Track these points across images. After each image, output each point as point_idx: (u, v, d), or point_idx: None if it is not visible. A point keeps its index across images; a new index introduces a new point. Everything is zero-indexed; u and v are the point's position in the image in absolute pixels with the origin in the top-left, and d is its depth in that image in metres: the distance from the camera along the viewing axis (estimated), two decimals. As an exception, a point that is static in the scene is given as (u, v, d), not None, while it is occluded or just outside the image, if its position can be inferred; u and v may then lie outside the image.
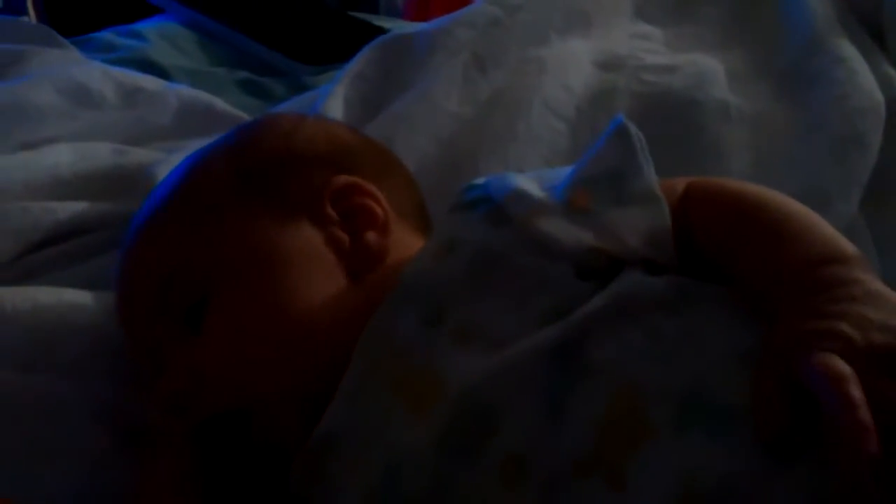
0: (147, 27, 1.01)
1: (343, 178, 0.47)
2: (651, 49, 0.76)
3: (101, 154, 0.66)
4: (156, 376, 0.44)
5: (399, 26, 1.08)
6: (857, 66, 0.67)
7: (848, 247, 0.39)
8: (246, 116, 0.78)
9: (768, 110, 0.67)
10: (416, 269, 0.42)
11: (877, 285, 0.36)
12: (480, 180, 0.46)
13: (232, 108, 0.79)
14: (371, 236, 0.46)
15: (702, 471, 0.35)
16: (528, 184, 0.44)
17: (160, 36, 0.99)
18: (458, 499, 0.38)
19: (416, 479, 0.38)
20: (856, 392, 0.31)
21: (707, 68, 0.70)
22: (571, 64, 0.73)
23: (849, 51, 0.69)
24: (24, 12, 1.67)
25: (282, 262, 0.44)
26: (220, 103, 0.79)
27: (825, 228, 0.40)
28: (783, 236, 0.39)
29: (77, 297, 0.50)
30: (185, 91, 0.79)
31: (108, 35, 0.99)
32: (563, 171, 0.45)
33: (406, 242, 0.47)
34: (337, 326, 0.42)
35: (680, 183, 0.44)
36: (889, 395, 0.32)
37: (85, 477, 0.43)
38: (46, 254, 0.57)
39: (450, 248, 0.42)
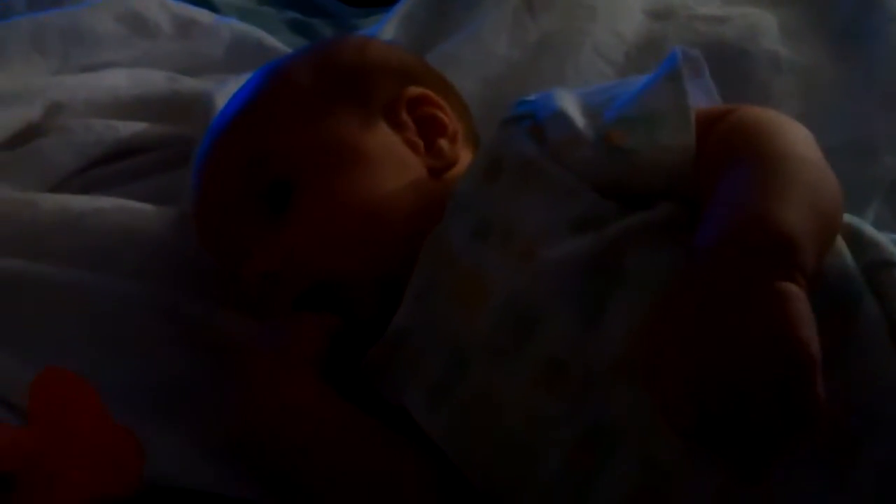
0: (197, -34, 1.02)
1: (416, 89, 0.50)
2: (704, 1, 0.76)
3: (156, 80, 0.68)
4: (235, 269, 0.46)
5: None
6: (912, 24, 0.67)
7: (790, 236, 0.36)
8: (294, 53, 0.79)
9: (820, 64, 0.67)
10: (469, 186, 0.45)
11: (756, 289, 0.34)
12: (532, 96, 0.48)
13: (281, 44, 0.80)
14: (443, 142, 0.49)
15: None
16: (571, 106, 0.45)
17: (210, -26, 1.00)
18: (501, 401, 0.40)
19: (473, 377, 0.41)
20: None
21: (759, 21, 0.70)
22: (622, 11, 0.73)
23: (904, 10, 0.69)
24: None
25: (367, 156, 0.47)
26: (269, 38, 0.80)
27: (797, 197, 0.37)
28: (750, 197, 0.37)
29: (139, 209, 0.52)
30: (237, 25, 0.80)
31: (158, -29, 1.00)
32: (611, 90, 0.46)
33: (466, 157, 0.49)
34: (417, 215, 0.45)
35: (727, 114, 0.44)
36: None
37: (143, 369, 0.45)
38: (107, 170, 0.59)
39: (499, 168, 0.44)
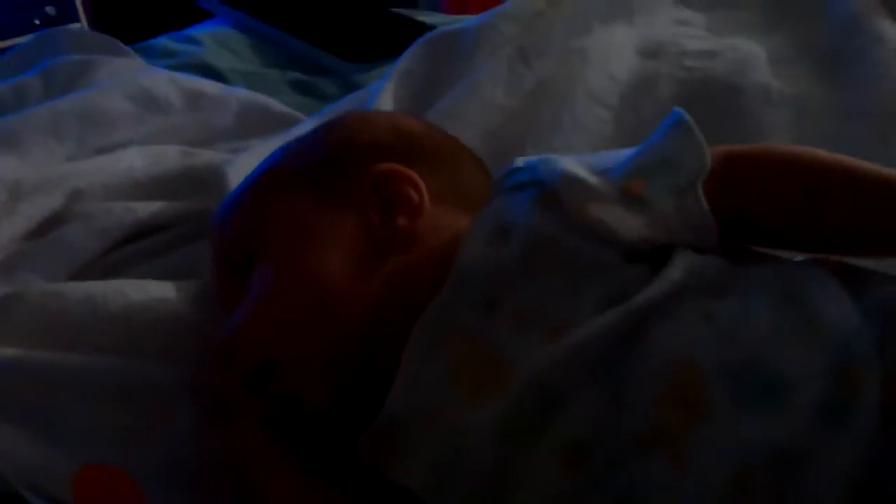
0: (201, 32, 1.06)
1: (383, 166, 0.49)
2: (693, 34, 0.77)
3: (170, 156, 0.70)
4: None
5: (440, 20, 1.11)
6: (898, 46, 0.68)
7: None
8: (301, 115, 0.82)
9: (810, 92, 0.68)
10: (470, 256, 0.43)
11: None
12: (521, 162, 0.47)
13: (287, 108, 0.83)
14: (401, 220, 0.48)
15: (757, 444, 0.37)
16: (578, 168, 0.44)
17: (214, 40, 1.03)
18: (517, 481, 0.40)
19: (480, 461, 0.40)
20: None
21: (748, 52, 0.72)
22: (614, 52, 0.75)
23: (890, 31, 0.70)
24: (76, 19, 1.75)
25: (311, 238, 0.47)
26: (276, 104, 0.83)
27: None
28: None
29: (161, 289, 0.54)
30: (244, 93, 0.83)
31: (164, 41, 1.03)
32: (609, 156, 0.46)
33: (446, 225, 0.48)
34: (354, 299, 0.45)
35: (718, 153, 0.44)
36: None
37: (173, 450, 0.47)
38: (129, 250, 0.61)
39: (504, 235, 0.44)
